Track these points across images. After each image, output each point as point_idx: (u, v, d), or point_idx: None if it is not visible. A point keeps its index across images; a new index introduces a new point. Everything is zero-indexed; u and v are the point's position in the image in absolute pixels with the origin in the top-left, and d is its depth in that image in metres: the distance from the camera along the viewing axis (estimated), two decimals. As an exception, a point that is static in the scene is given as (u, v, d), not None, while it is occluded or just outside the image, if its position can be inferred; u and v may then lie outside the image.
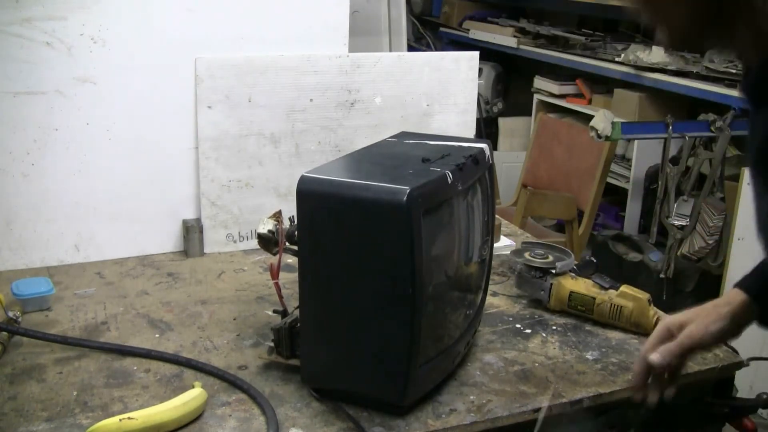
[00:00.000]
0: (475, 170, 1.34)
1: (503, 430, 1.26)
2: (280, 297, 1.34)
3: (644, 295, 1.53)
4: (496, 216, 1.65)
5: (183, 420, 1.20)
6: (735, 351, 1.47)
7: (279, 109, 1.92)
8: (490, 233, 1.47)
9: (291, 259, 1.48)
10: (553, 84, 4.38)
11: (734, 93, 3.11)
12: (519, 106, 4.88)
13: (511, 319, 1.60)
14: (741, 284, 1.17)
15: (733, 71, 3.24)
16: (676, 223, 3.18)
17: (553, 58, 4.26)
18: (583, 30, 4.58)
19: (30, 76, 1.70)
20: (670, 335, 1.19)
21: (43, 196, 1.77)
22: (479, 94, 4.71)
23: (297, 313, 1.30)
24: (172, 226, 1.92)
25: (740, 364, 1.45)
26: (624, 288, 1.54)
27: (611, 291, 1.55)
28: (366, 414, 1.23)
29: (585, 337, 1.52)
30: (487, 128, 4.75)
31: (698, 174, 3.18)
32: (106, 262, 1.85)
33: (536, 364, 1.42)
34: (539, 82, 4.51)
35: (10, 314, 1.47)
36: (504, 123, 4.87)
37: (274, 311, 1.37)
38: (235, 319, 1.58)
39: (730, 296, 1.17)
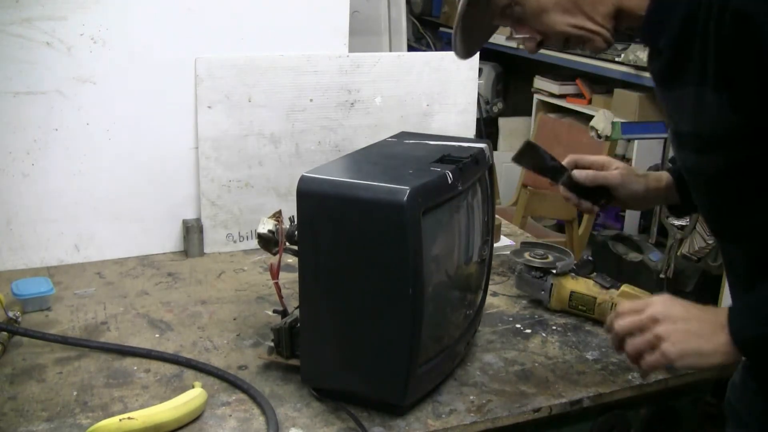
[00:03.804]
0: (475, 170, 1.34)
1: (503, 430, 1.26)
2: (280, 297, 1.34)
3: (645, 295, 1.53)
4: (496, 216, 1.66)
5: (183, 420, 1.20)
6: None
7: (279, 109, 1.92)
8: (490, 233, 1.47)
9: (291, 259, 1.48)
10: (553, 84, 4.37)
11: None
12: (519, 106, 4.88)
13: (511, 319, 1.60)
14: (734, 325, 1.05)
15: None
16: (676, 223, 3.17)
17: (553, 58, 4.25)
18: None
19: (30, 76, 1.70)
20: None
21: (43, 196, 1.77)
22: (479, 94, 4.70)
23: (297, 313, 1.30)
24: (172, 226, 1.92)
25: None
26: (625, 287, 1.54)
27: (612, 290, 1.55)
28: (366, 414, 1.23)
29: (585, 337, 1.52)
30: (487, 128, 4.74)
31: (698, 174, 3.17)
32: (106, 262, 1.85)
33: (536, 364, 1.42)
34: (539, 82, 4.51)
35: (10, 314, 1.47)
36: (504, 123, 4.87)
37: (274, 311, 1.37)
38: (235, 319, 1.57)
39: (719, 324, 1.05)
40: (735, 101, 1.00)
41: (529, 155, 1.43)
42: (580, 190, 1.43)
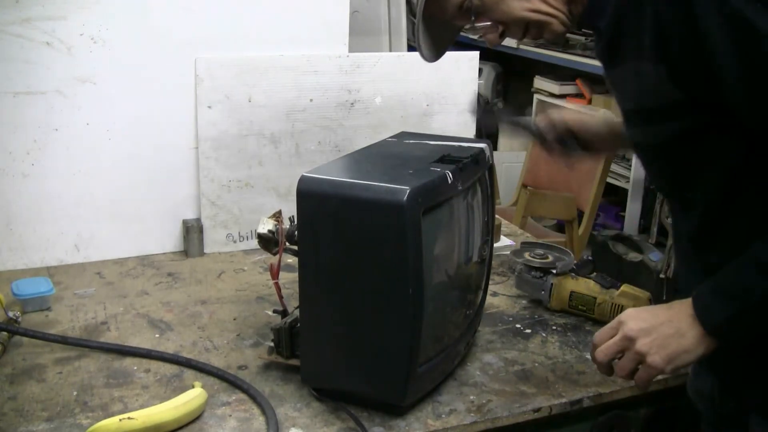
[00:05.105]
0: (475, 170, 1.35)
1: (503, 430, 1.26)
2: (280, 297, 1.34)
3: (645, 294, 1.53)
4: (496, 216, 1.65)
5: (183, 420, 1.20)
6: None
7: (279, 109, 1.92)
8: (490, 233, 1.47)
9: (291, 259, 1.48)
10: (553, 84, 4.37)
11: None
12: (519, 106, 4.87)
13: (511, 319, 1.60)
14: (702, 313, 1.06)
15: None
16: (677, 222, 3.16)
17: (553, 58, 4.25)
18: (583, 30, 4.57)
19: (30, 76, 1.70)
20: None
21: (43, 196, 1.77)
22: (479, 94, 4.70)
23: (297, 313, 1.30)
24: (172, 226, 1.92)
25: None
26: (625, 287, 1.54)
27: (612, 290, 1.55)
28: (366, 414, 1.23)
29: (585, 337, 1.52)
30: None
31: (698, 174, 3.17)
32: (106, 262, 1.85)
33: (536, 364, 1.42)
34: (539, 82, 4.51)
35: (10, 314, 1.48)
36: (504, 123, 4.86)
37: (274, 311, 1.37)
38: (235, 319, 1.58)
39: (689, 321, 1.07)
40: (671, 72, 1.03)
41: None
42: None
